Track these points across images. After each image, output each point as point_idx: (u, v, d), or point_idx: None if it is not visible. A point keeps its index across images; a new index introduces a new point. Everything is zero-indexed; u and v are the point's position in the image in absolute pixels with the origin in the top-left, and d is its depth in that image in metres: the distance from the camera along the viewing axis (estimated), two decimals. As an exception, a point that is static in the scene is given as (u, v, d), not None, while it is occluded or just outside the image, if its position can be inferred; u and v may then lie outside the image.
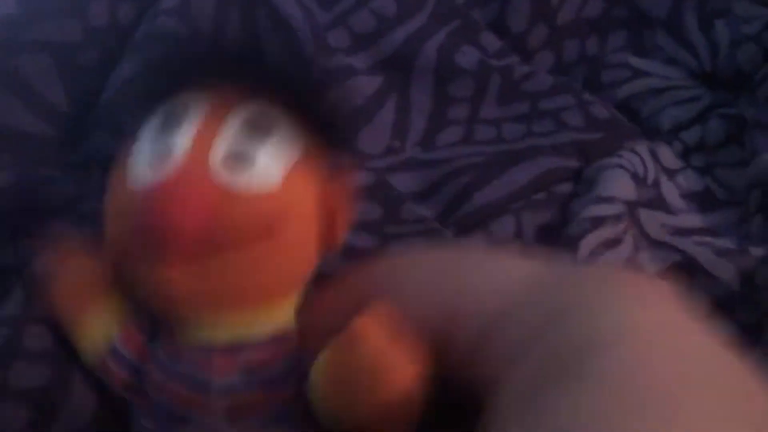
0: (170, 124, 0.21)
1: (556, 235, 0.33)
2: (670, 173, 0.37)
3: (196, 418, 0.21)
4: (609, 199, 0.33)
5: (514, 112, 0.39)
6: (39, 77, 0.34)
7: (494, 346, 0.19)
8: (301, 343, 0.22)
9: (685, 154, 0.39)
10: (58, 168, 0.33)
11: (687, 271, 0.33)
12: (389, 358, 0.19)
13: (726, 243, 0.34)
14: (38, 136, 0.34)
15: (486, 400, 0.19)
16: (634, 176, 0.35)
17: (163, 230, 0.19)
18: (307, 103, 0.22)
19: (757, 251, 0.33)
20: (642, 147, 0.37)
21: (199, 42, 0.34)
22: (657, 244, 0.34)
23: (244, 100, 0.21)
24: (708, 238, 0.35)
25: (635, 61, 0.42)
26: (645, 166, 0.36)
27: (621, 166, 0.35)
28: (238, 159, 0.20)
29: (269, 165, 0.20)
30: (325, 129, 0.22)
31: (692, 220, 0.36)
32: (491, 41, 0.40)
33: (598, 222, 0.32)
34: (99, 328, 0.23)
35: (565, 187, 0.35)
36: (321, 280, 0.23)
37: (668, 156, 0.38)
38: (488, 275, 0.21)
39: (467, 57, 0.39)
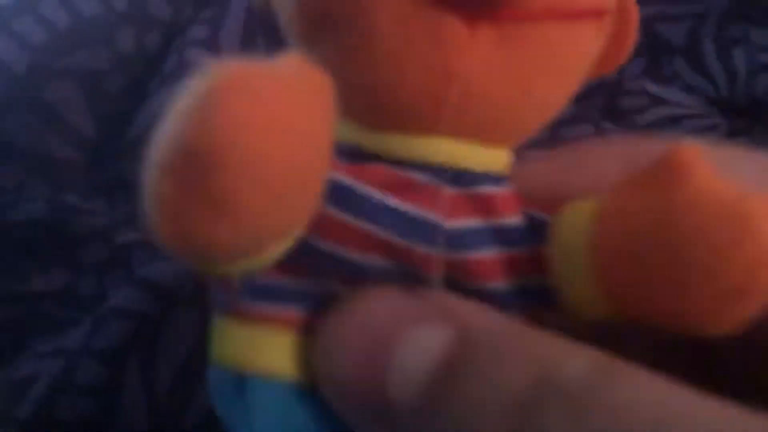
0: None
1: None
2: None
3: (394, 277, 0.14)
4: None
5: (533, 139, 0.39)
6: (67, 104, 0.34)
7: None
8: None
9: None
10: (85, 193, 0.34)
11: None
12: (751, 203, 0.12)
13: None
14: (66, 162, 0.34)
15: None
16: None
17: None
18: None
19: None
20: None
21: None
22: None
23: None
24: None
25: (653, 89, 0.42)
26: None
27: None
28: None
29: None
30: None
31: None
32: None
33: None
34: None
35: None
36: None
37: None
38: None
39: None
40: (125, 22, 0.37)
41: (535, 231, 0.15)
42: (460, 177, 0.15)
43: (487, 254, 0.15)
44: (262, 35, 0.35)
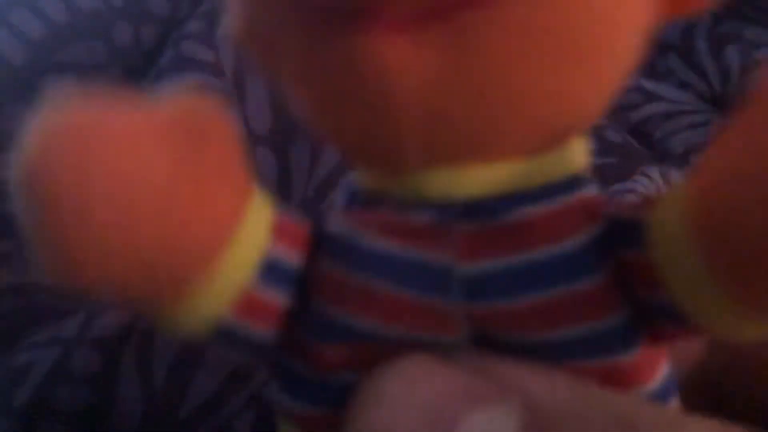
0: None
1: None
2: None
3: (415, 343, 0.12)
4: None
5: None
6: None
7: None
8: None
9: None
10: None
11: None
12: None
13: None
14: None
15: None
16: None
17: None
18: None
19: None
20: (655, 173, 0.37)
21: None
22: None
23: None
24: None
25: (648, 85, 0.43)
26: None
27: (636, 192, 0.35)
28: None
29: None
30: None
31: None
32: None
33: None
34: (248, 243, 0.12)
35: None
36: None
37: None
38: None
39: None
40: (122, 17, 0.37)
41: (624, 239, 0.12)
42: (475, 208, 0.12)
43: (525, 299, 0.12)
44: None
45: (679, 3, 0.12)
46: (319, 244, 0.12)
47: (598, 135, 0.39)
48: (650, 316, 0.12)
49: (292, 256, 0.12)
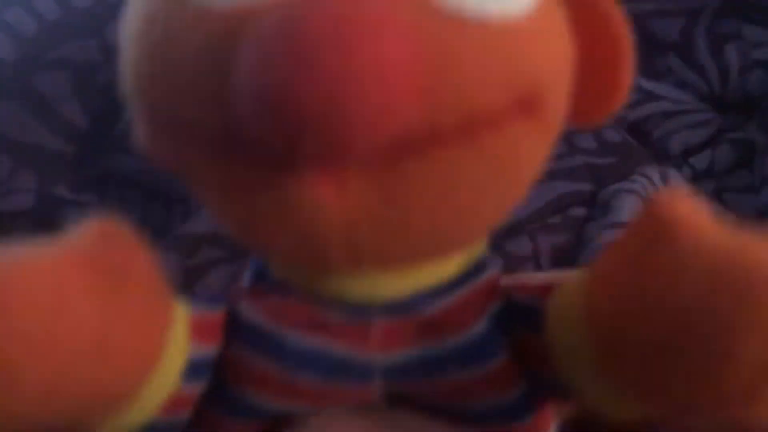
0: None
1: (572, 258, 0.33)
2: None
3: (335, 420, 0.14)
4: (623, 225, 0.33)
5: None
6: (57, 95, 0.34)
7: None
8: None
9: (694, 180, 0.39)
10: (75, 184, 0.33)
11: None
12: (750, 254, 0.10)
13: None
14: (56, 153, 0.34)
15: None
16: (648, 201, 0.35)
17: (325, 100, 0.09)
18: None
19: None
20: (653, 172, 0.37)
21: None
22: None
23: None
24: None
25: (647, 84, 0.42)
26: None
27: (634, 192, 0.35)
28: None
29: None
30: None
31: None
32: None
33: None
34: (173, 358, 0.13)
35: (580, 211, 0.35)
36: None
37: (679, 181, 0.38)
38: None
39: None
40: (116, 15, 0.36)
41: (523, 322, 0.13)
42: (393, 307, 0.13)
43: (438, 379, 0.13)
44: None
45: (582, 117, 0.14)
46: (234, 330, 0.13)
47: (597, 135, 0.38)
48: (542, 387, 0.14)
49: (210, 349, 0.13)
